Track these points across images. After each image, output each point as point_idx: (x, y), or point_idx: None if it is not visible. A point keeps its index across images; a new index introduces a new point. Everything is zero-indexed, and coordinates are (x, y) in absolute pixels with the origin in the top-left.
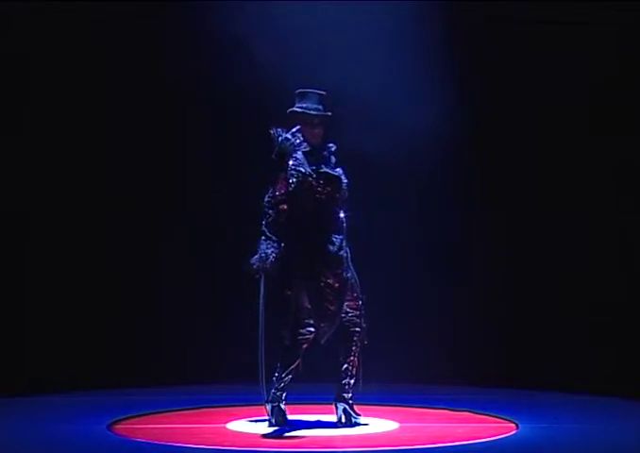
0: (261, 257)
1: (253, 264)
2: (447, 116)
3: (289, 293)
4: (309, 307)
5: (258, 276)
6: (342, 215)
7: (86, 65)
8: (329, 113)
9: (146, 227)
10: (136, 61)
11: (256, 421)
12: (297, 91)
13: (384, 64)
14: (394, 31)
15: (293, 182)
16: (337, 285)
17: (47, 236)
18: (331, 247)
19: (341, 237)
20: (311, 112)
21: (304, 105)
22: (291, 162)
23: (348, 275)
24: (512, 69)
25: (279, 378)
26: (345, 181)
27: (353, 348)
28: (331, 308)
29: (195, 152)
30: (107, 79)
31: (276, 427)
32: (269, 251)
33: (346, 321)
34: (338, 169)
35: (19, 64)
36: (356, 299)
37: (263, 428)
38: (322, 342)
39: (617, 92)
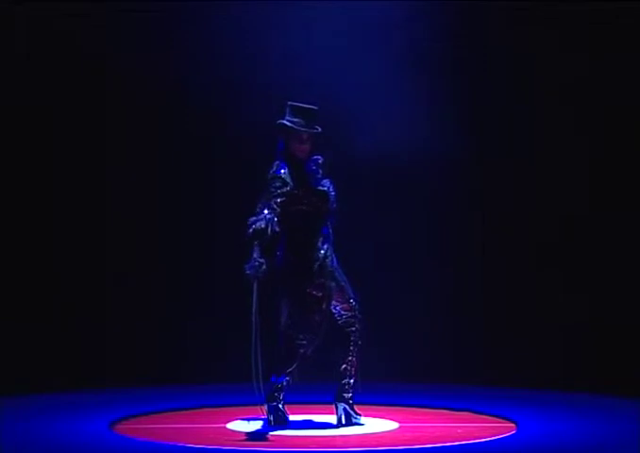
0: (254, 265)
1: (247, 271)
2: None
3: (282, 301)
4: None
5: (252, 283)
6: (328, 225)
7: (83, 71)
8: (319, 129)
9: (146, 228)
10: (133, 66)
11: (256, 421)
12: (289, 103)
13: (383, 68)
14: (391, 36)
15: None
16: (320, 295)
17: (47, 237)
18: (316, 257)
19: (326, 247)
20: (301, 129)
21: (295, 119)
22: (277, 184)
23: (332, 284)
24: (511, 71)
25: (277, 380)
26: (333, 194)
27: (351, 348)
28: (315, 317)
29: (194, 153)
30: (106, 82)
31: (275, 427)
32: (262, 259)
33: (342, 322)
34: (325, 181)
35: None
36: (348, 301)
37: (263, 428)
38: (308, 353)
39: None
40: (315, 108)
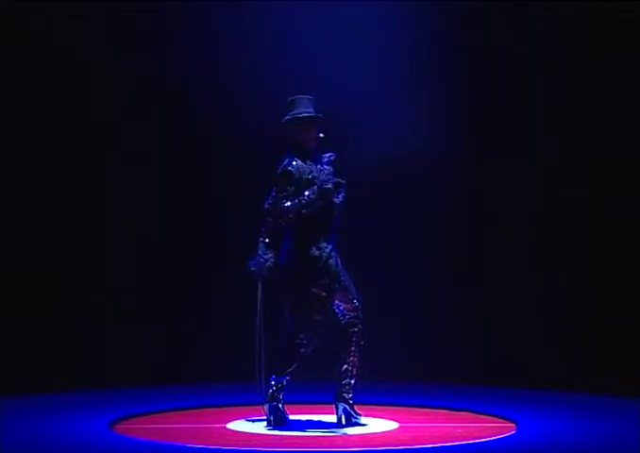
0: (259, 262)
1: (251, 268)
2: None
3: (285, 299)
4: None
5: (256, 280)
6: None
7: (83, 71)
8: (320, 115)
9: (146, 228)
10: (133, 66)
11: (256, 421)
12: (288, 99)
13: (383, 68)
14: (392, 36)
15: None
16: (324, 294)
17: (47, 236)
18: (319, 256)
19: (330, 246)
20: (301, 115)
21: (293, 111)
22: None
23: (335, 285)
24: (511, 71)
25: (278, 380)
26: (342, 196)
27: (352, 349)
28: (317, 317)
29: (194, 153)
30: (106, 82)
31: (275, 427)
32: (267, 256)
33: (345, 323)
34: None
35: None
36: (351, 301)
37: (263, 428)
38: (307, 351)
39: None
40: (311, 96)
